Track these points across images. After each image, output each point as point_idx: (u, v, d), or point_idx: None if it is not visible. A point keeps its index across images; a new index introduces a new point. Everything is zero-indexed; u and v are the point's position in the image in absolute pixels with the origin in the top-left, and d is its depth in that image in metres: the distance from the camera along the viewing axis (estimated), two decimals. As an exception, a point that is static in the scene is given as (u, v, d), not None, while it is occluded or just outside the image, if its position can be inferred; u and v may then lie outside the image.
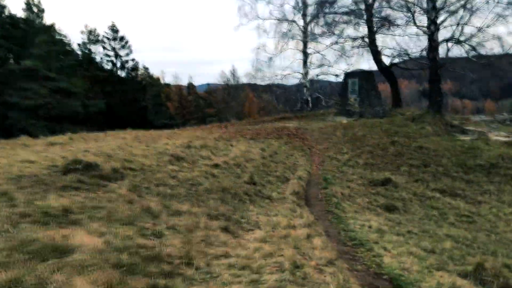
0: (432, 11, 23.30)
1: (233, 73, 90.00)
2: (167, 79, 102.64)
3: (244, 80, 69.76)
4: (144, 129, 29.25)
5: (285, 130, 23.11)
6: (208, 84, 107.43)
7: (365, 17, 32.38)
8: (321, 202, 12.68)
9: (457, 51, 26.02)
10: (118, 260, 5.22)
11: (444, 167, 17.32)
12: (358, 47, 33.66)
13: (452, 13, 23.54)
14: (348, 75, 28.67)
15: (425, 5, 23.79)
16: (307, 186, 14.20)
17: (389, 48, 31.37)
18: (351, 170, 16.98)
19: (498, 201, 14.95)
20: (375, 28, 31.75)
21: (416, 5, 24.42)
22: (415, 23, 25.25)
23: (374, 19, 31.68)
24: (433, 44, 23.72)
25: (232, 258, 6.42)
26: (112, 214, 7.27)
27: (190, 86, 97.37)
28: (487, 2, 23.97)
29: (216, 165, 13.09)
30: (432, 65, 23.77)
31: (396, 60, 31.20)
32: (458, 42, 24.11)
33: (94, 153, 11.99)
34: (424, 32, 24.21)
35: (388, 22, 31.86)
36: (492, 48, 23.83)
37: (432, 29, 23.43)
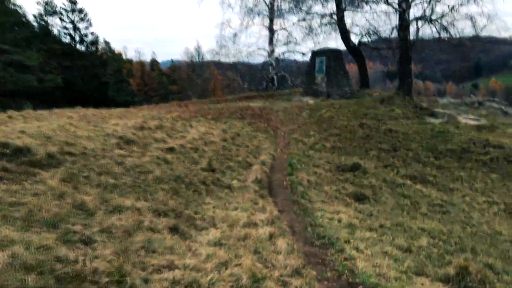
0: (404, -12, 22.28)
1: (198, 50, 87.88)
2: (130, 55, 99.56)
3: (208, 57, 67.72)
4: (105, 106, 27.54)
5: (249, 110, 21.90)
6: (172, 61, 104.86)
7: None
8: (286, 190, 11.63)
9: (427, 31, 25.27)
10: (20, 284, 3.98)
11: (414, 151, 16.54)
12: (326, 25, 32.56)
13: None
14: (315, 53, 27.52)
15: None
16: (271, 172, 13.11)
17: (358, 26, 30.40)
18: (318, 154, 15.99)
19: (470, 189, 14.27)
20: (344, 5, 30.64)
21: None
22: (386, 1, 24.20)
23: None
24: (404, 23, 22.72)
25: (177, 271, 5.24)
26: (34, 213, 5.96)
27: (153, 62, 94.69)
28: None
29: (170, 149, 11.80)
30: (402, 45, 22.83)
31: (365, 39, 30.33)
32: (429, 21, 23.22)
33: (31, 135, 10.53)
34: (396, 10, 23.17)
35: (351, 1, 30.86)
36: (463, 28, 23.15)
37: (404, 6, 22.43)
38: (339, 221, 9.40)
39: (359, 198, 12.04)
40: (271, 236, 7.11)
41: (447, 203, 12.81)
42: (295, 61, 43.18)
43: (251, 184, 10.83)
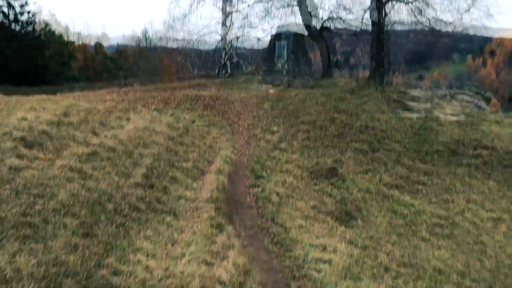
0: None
1: (146, 34, 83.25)
2: (73, 37, 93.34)
3: (156, 40, 63.39)
4: (41, 90, 23.64)
5: (201, 99, 18.67)
6: (118, 45, 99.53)
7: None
8: (252, 209, 8.76)
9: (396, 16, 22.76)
10: None
11: (396, 152, 13.98)
12: (286, 7, 29.58)
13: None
14: (276, 36, 24.45)
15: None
16: (230, 181, 10.17)
17: (321, 9, 27.58)
18: (285, 155, 13.14)
19: (467, 201, 11.86)
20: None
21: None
22: None
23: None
24: (378, 3, 19.97)
25: None
26: None
27: (98, 45, 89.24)
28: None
29: (93, 154, 8.60)
30: (376, 29, 20.12)
31: (328, 24, 27.57)
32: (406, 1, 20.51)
33: None
34: None
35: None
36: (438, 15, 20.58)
37: (377, -15, 19.70)
38: (330, 263, 6.63)
39: (344, 218, 9.33)
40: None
41: (447, 222, 10.34)
42: (249, 47, 39.89)
43: (204, 205, 7.87)
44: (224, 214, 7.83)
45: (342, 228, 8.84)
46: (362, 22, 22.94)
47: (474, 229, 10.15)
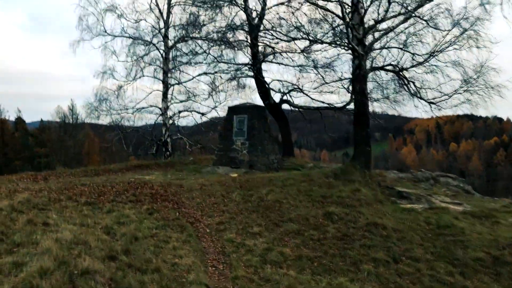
0: (360, 27, 16.80)
1: (72, 109, 77.92)
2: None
3: (84, 116, 57.99)
4: None
5: (146, 187, 14.34)
6: (41, 121, 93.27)
7: (248, 42, 25.48)
8: None
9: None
10: None
11: (425, 262, 10.32)
12: (236, 79, 26.54)
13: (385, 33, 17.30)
14: (233, 110, 20.76)
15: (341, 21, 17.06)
16: None
17: (280, 82, 24.73)
18: (281, 273, 9.06)
19: None
20: (260, 56, 24.99)
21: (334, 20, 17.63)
22: (340, 44, 18.42)
23: (259, 44, 24.97)
24: (361, 72, 17.07)
25: None
26: None
27: (18, 121, 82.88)
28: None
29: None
30: (359, 101, 17.01)
31: (286, 97, 24.64)
32: (400, 70, 17.76)
33: None
34: (357, 54, 17.20)
35: (272, 50, 25.48)
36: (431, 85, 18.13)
37: (361, 51, 16.87)
38: None
39: None
40: None
41: None
42: (194, 122, 35.98)
43: None
44: None
45: None
46: (347, 91, 20.21)
47: None
